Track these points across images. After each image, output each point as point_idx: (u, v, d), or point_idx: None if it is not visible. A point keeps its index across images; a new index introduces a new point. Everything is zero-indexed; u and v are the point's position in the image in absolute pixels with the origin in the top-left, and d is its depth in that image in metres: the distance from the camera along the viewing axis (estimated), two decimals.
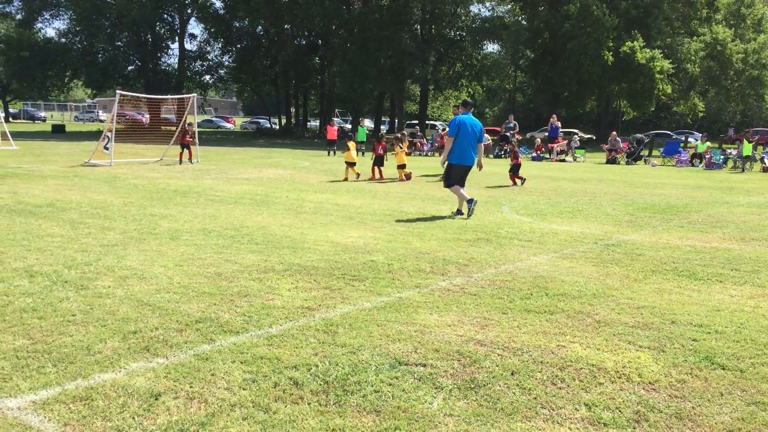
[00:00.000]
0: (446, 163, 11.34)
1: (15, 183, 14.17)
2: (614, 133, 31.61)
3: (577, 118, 70.27)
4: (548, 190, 16.31)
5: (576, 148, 32.38)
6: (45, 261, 6.92)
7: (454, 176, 11.27)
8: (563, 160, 30.20)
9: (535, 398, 3.84)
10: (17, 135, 32.86)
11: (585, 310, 5.66)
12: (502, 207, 12.61)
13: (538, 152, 31.26)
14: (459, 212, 11.16)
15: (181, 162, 21.46)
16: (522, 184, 17.29)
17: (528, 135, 50.58)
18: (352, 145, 18.27)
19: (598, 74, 44.55)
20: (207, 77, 60.35)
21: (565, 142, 32.26)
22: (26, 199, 11.68)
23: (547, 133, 33.74)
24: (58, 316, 5.09)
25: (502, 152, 31.77)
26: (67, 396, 3.69)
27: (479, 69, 51.44)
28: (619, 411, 3.69)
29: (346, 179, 17.45)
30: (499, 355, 4.51)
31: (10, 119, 65.50)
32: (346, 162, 18.00)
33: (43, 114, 76.36)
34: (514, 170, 17.70)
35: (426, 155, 31.44)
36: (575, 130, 48.53)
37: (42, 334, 4.66)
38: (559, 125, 32.31)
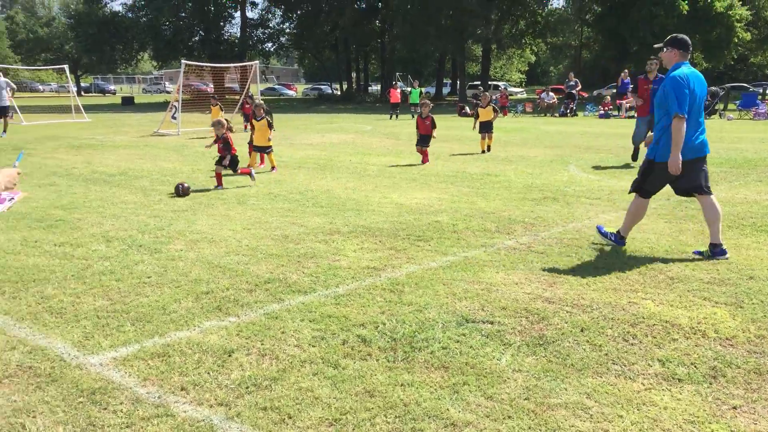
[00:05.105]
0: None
1: (89, 153, 14.67)
2: None
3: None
4: (617, 147, 15.85)
5: None
6: (120, 226, 7.17)
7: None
8: (633, 117, 29.24)
9: (606, 354, 3.77)
10: (89, 108, 33.96)
11: (657, 266, 5.50)
12: (569, 165, 12.33)
13: (606, 109, 30.35)
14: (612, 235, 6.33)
15: (246, 129, 21.77)
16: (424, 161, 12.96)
17: (595, 92, 49.11)
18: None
19: (672, 26, 42.65)
20: (269, 45, 60.73)
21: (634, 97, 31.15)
22: (100, 168, 12.09)
23: (615, 90, 32.65)
24: (135, 278, 5.28)
25: (568, 111, 31.02)
26: (145, 353, 3.84)
27: (543, 26, 50.02)
28: (695, 366, 3.59)
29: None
30: (568, 312, 4.45)
31: (82, 93, 67.75)
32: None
33: (112, 87, 78.70)
34: (425, 142, 13.07)
35: None
36: None
37: (120, 295, 4.85)
38: (629, 81, 31.17)
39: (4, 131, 19.06)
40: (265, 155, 12.16)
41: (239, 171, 10.32)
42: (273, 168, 11.92)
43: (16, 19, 76.53)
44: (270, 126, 11.82)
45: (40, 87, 74.52)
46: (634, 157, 12.65)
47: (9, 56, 71.71)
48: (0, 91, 19.20)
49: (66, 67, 30.82)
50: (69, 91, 32.96)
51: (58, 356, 3.79)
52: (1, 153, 14.53)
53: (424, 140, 13.01)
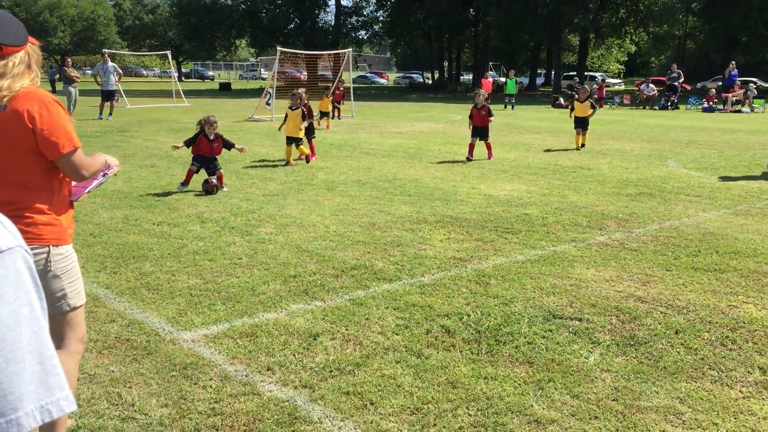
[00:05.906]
0: None
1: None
2: None
3: (756, 65, 64.00)
4: (721, 143, 15.08)
5: (754, 97, 29.59)
6: (214, 208, 7.41)
7: None
8: (739, 111, 27.76)
9: (702, 359, 3.59)
10: (189, 93, 35.25)
11: (761, 269, 5.20)
12: (668, 160, 11.83)
13: (710, 103, 28.95)
14: None
15: (339, 117, 22.01)
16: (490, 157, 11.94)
17: (699, 85, 46.89)
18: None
19: None
20: (362, 33, 61.20)
21: (741, 91, 29.55)
22: None
23: (721, 82, 31.09)
24: (226, 259, 5.44)
25: (669, 104, 29.76)
26: (234, 332, 3.95)
27: (646, 15, 48.08)
28: None
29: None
30: (662, 312, 4.27)
31: (183, 78, 70.35)
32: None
33: (211, 73, 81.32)
34: (482, 134, 12.05)
35: None
36: (753, 79, 44.35)
37: (212, 275, 5.01)
38: (736, 73, 29.59)
39: (110, 114, 20.03)
40: (296, 147, 11.08)
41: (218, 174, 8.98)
42: (291, 161, 11.08)
43: (124, 6, 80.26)
44: (304, 117, 11.14)
45: (144, 72, 77.86)
46: None
47: (116, 42, 75.32)
48: (108, 76, 20.15)
49: (168, 53, 31.97)
50: (171, 77, 34.28)
51: (153, 330, 3.96)
52: (107, 135, 15.29)
53: (480, 132, 11.94)
